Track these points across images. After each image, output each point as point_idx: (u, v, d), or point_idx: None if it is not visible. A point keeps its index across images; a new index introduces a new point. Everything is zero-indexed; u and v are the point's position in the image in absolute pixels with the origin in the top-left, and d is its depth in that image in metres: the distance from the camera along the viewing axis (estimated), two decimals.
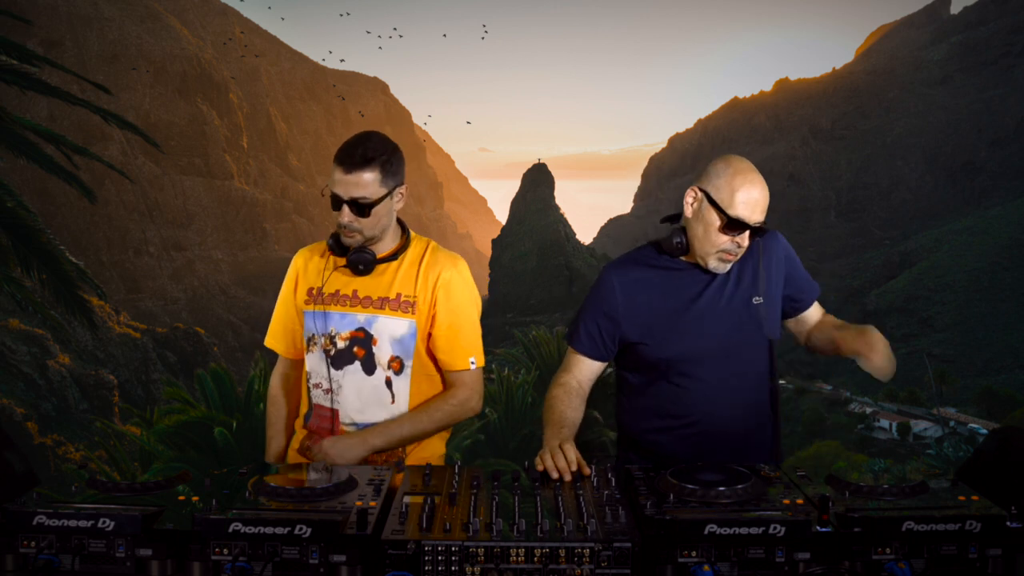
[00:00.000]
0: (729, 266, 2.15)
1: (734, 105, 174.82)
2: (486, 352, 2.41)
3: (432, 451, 2.32)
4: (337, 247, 2.21)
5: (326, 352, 2.21)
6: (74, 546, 1.51)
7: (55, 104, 74.52)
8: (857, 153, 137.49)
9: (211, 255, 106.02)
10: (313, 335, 2.23)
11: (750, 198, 2.05)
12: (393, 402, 2.21)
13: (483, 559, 1.45)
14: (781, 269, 2.26)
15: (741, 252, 2.12)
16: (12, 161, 9.30)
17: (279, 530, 1.45)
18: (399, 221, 2.26)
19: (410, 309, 2.19)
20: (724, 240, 2.09)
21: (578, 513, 1.57)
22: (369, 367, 2.20)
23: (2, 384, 36.31)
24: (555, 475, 1.84)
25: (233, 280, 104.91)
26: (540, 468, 1.88)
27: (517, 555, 1.44)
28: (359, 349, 2.19)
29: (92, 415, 36.73)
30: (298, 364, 2.39)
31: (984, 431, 38.56)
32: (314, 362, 2.24)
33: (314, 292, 2.23)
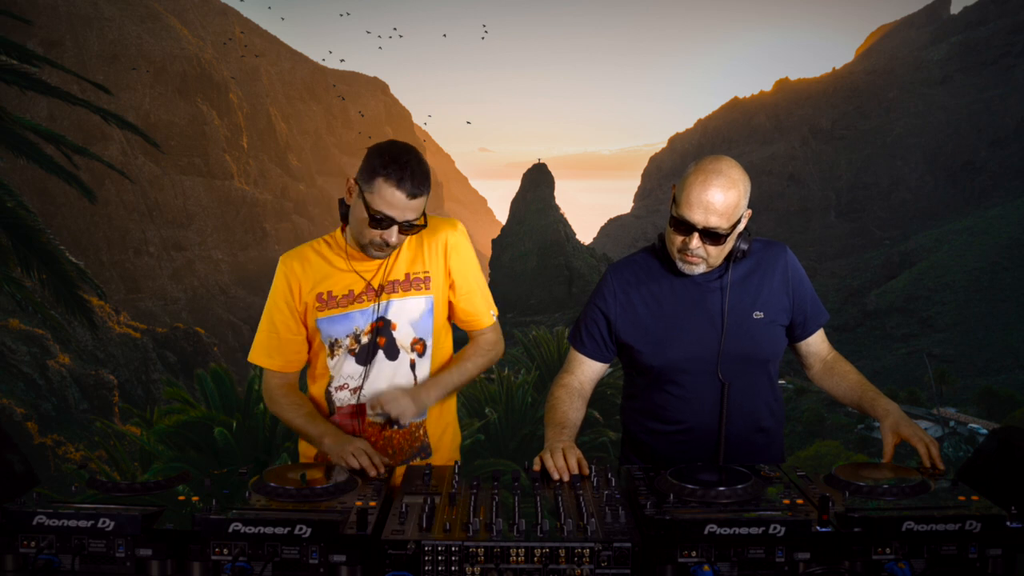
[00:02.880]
0: (696, 270, 2.06)
1: (734, 105, 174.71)
2: None
3: (453, 442, 2.36)
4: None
5: (351, 352, 2.19)
6: (74, 546, 1.51)
7: (55, 104, 74.49)
8: (857, 153, 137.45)
9: (211, 255, 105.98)
10: (336, 339, 2.19)
11: (698, 199, 1.94)
12: (416, 385, 2.22)
13: (483, 559, 1.44)
14: (787, 287, 2.16)
15: (704, 257, 2.02)
16: (12, 161, 9.30)
17: (279, 530, 1.45)
18: None
19: (423, 285, 2.19)
20: (678, 239, 2.02)
21: (578, 513, 1.57)
22: (392, 352, 2.20)
23: (2, 384, 36.29)
24: (555, 476, 1.83)
25: (233, 280, 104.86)
26: (537, 468, 1.87)
27: (517, 555, 1.44)
28: (381, 338, 2.19)
29: (92, 415, 36.72)
30: (294, 377, 2.30)
31: (984, 431, 38.56)
32: (339, 366, 2.21)
33: (325, 297, 2.18)
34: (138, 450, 10.80)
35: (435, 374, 2.22)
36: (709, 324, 2.11)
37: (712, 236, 1.98)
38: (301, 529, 1.45)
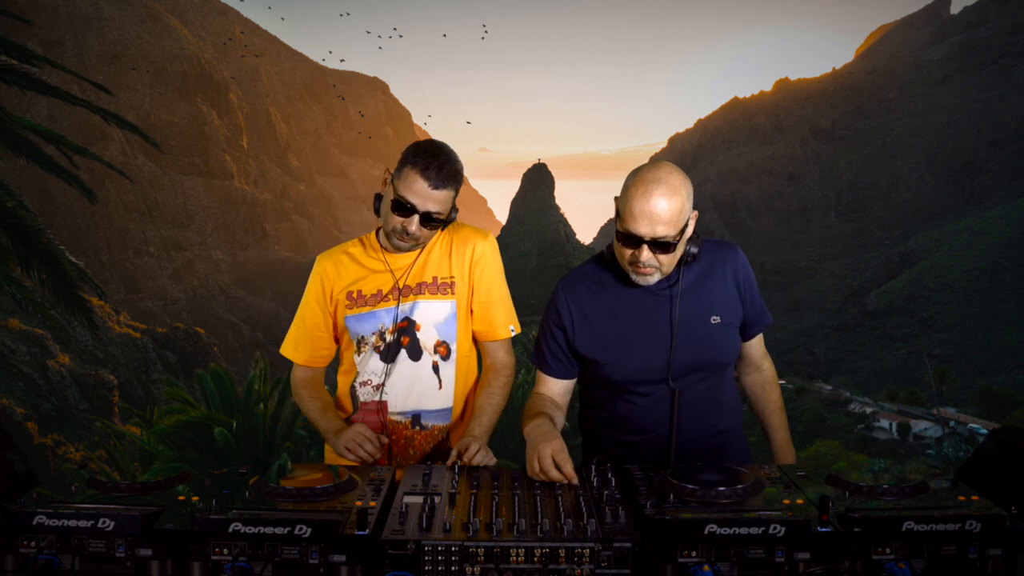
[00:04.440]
0: (651, 279, 2.02)
1: (734, 105, 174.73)
2: None
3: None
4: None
5: (376, 349, 2.24)
6: (74, 546, 1.51)
7: (55, 104, 74.51)
8: (857, 153, 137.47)
9: (211, 255, 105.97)
10: (362, 336, 2.25)
11: (642, 211, 1.90)
12: (440, 387, 2.26)
13: (483, 559, 1.44)
14: (739, 289, 2.15)
15: (657, 267, 1.98)
16: (12, 161, 9.30)
17: (279, 530, 1.45)
18: None
19: (448, 290, 2.24)
20: (628, 253, 1.99)
21: (578, 513, 1.57)
22: (415, 353, 2.24)
23: (2, 384, 36.29)
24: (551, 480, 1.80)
25: (233, 280, 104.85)
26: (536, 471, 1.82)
27: (517, 555, 1.44)
28: (405, 338, 2.24)
29: (92, 415, 36.72)
30: (319, 371, 2.40)
31: (984, 431, 38.57)
32: (363, 362, 2.27)
33: (355, 295, 2.25)
34: (138, 450, 10.80)
35: (479, 415, 2.21)
36: (666, 333, 2.09)
37: (661, 246, 1.95)
38: (301, 529, 1.45)
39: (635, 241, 1.94)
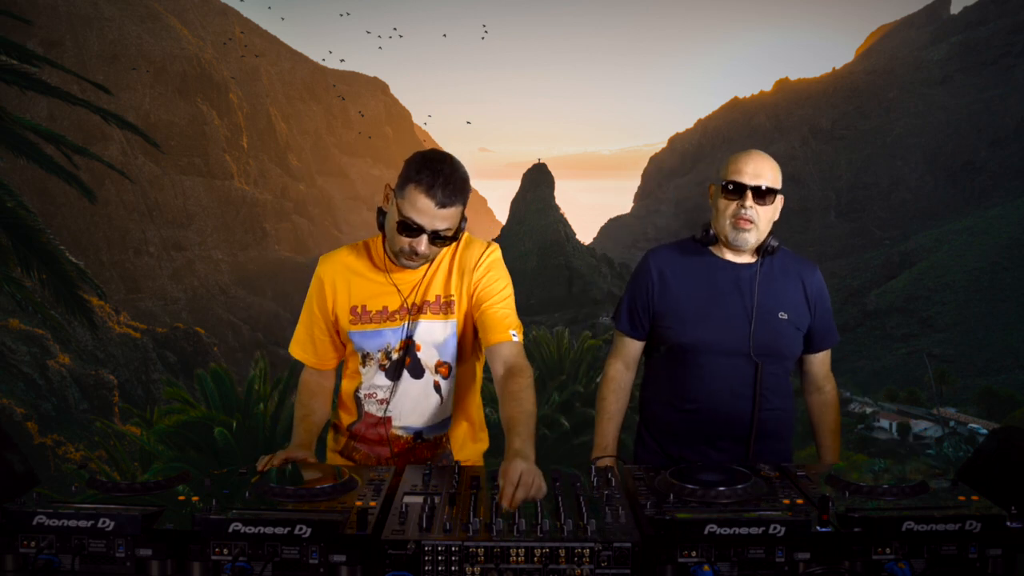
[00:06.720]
0: (749, 238, 2.21)
1: (734, 105, 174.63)
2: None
3: (476, 448, 2.37)
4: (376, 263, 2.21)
5: (381, 367, 2.21)
6: (74, 546, 1.51)
7: (55, 104, 74.43)
8: (857, 153, 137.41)
9: (211, 255, 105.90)
10: (367, 353, 2.21)
11: (746, 162, 2.21)
12: (442, 403, 2.25)
13: (483, 559, 1.44)
14: (809, 301, 2.32)
15: (755, 221, 2.19)
16: (12, 161, 9.30)
17: (279, 530, 1.45)
18: None
19: (450, 310, 2.17)
20: (732, 205, 2.20)
21: (578, 513, 1.57)
22: (416, 372, 2.21)
23: (2, 384, 36.26)
24: None
25: (233, 280, 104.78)
26: None
27: (517, 555, 1.44)
28: (408, 358, 2.20)
29: (92, 415, 36.68)
30: (327, 374, 2.34)
31: (984, 431, 38.49)
32: (370, 376, 2.23)
33: (359, 311, 2.18)
34: (138, 450, 10.81)
35: (515, 427, 1.91)
36: (739, 309, 2.24)
37: (762, 195, 2.19)
38: (301, 529, 1.45)
39: (740, 190, 2.19)
